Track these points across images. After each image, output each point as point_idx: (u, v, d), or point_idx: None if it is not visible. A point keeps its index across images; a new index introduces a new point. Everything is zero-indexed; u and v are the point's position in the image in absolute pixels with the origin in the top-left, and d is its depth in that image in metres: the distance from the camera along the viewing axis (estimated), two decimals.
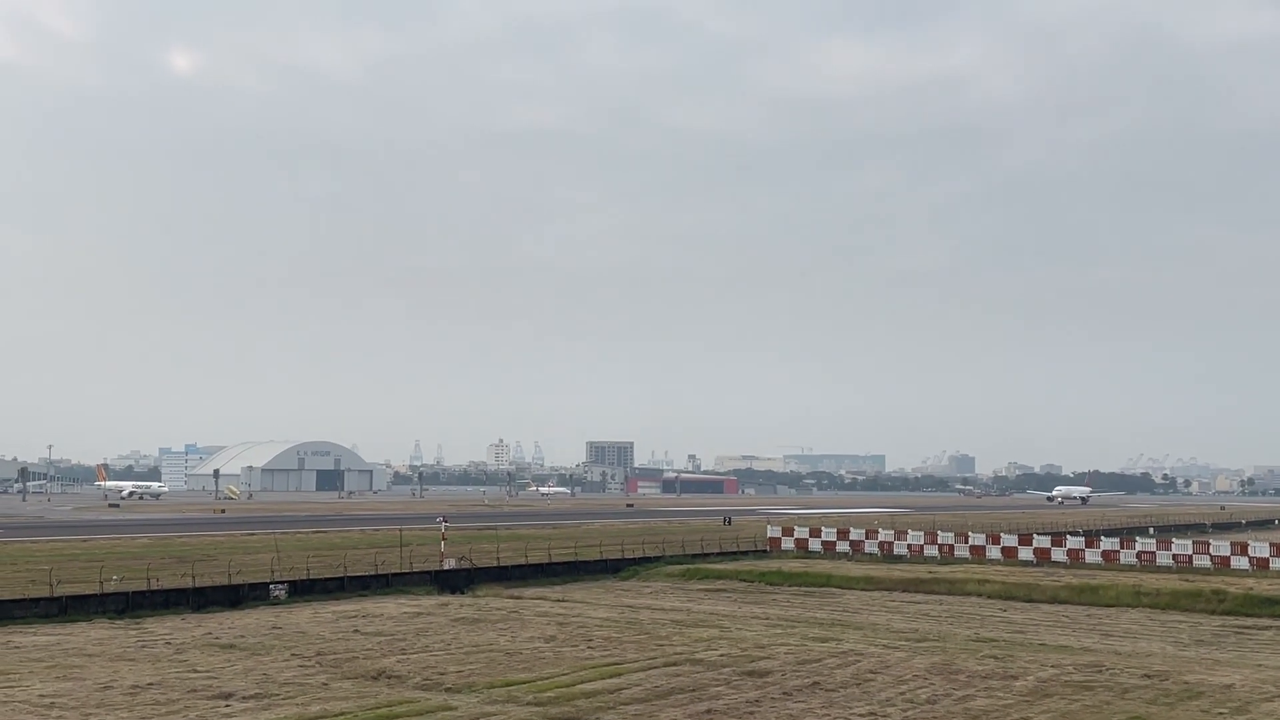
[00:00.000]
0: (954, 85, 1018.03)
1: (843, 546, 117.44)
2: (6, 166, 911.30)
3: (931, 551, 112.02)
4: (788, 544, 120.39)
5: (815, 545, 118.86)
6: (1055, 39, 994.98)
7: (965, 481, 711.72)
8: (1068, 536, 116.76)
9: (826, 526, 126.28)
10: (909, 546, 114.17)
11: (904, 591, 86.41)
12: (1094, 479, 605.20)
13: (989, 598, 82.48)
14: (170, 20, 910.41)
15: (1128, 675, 49.40)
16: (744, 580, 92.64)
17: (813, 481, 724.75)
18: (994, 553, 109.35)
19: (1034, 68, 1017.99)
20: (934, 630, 65.20)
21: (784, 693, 44.64)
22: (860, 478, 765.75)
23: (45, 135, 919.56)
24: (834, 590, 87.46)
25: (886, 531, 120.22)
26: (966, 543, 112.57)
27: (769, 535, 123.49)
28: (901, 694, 44.68)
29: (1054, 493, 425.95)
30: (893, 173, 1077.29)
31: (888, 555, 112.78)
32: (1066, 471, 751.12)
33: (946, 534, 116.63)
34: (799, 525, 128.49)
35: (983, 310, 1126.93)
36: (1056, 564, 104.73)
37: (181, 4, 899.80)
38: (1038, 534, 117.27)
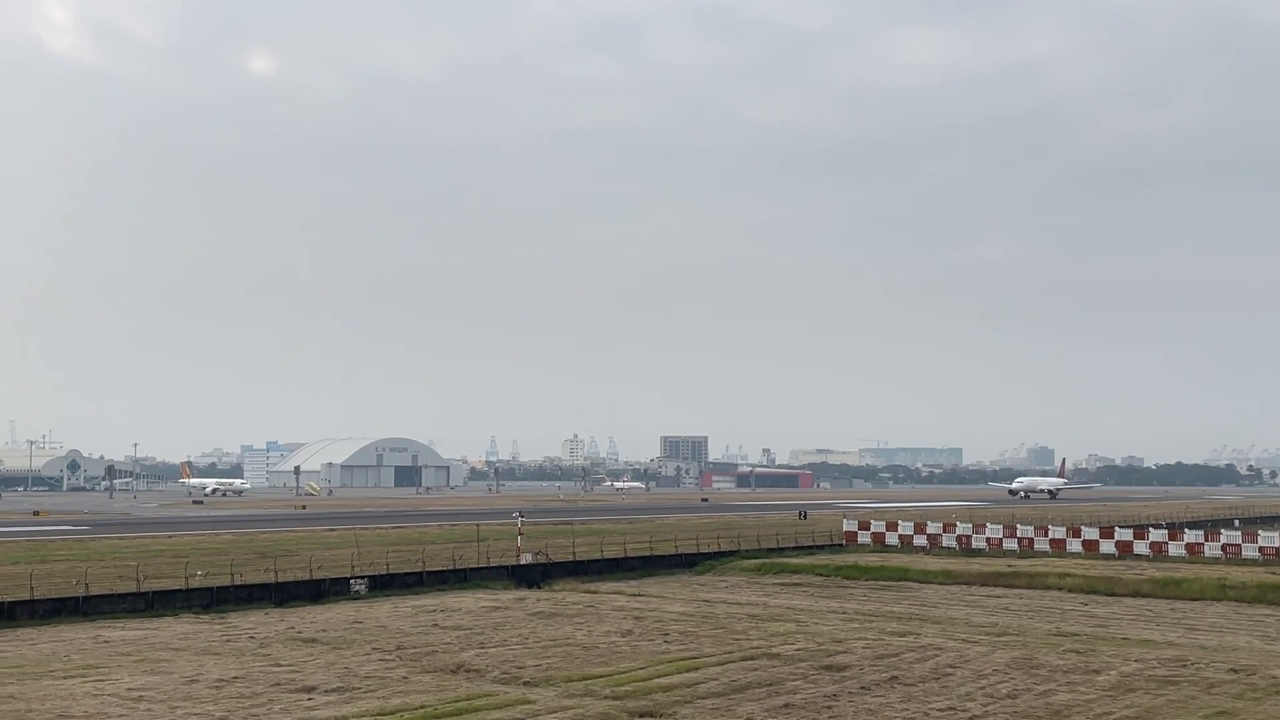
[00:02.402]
0: (1028, 73, 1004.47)
1: (920, 540, 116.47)
2: (92, 171, 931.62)
3: (1011, 545, 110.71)
4: (864, 538, 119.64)
5: (892, 539, 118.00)
6: (1133, 24, 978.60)
7: (1044, 474, 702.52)
8: (1150, 529, 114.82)
9: (903, 520, 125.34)
10: (987, 540, 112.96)
11: (983, 585, 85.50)
12: (1177, 471, 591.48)
13: (1070, 591, 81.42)
14: (250, 24, 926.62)
15: (1213, 670, 48.56)
16: (820, 574, 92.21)
17: (889, 475, 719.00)
18: (1074, 546, 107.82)
19: (1111, 54, 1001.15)
20: (1014, 624, 64.48)
21: (862, 687, 44.43)
22: (937, 471, 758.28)
23: (129, 140, 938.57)
24: (911, 584, 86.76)
25: (964, 525, 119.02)
26: (1046, 536, 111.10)
27: (845, 529, 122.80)
28: (981, 689, 44.29)
29: (1015, 484, 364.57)
30: (966, 162, 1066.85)
31: (966, 549, 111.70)
32: (1149, 463, 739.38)
33: (1026, 527, 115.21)
34: (875, 519, 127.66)
35: (1061, 300, 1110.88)
36: (1139, 557, 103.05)
37: (260, 8, 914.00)
38: (1119, 527, 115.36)
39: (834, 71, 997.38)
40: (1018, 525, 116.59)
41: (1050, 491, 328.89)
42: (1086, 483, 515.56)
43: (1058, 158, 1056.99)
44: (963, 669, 48.54)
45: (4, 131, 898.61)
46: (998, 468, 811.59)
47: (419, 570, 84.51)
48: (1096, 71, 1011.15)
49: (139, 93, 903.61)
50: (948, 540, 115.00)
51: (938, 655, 51.96)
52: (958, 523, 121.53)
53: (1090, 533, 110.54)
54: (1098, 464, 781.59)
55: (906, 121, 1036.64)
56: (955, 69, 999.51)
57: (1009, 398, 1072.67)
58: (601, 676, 46.18)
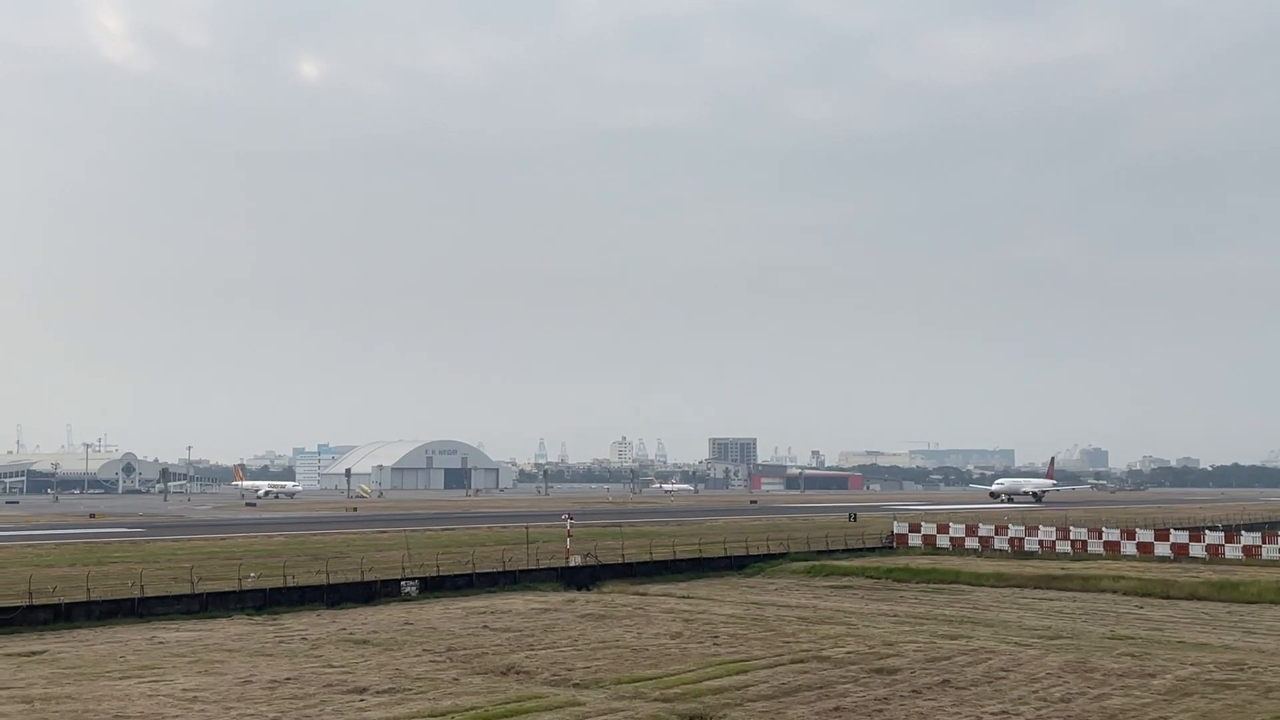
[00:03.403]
0: (1081, 70, 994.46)
1: (971, 543, 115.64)
2: (144, 176, 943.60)
3: (1064, 547, 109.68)
4: (914, 540, 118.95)
5: (943, 541, 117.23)
6: (1185, 21, 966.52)
7: (1098, 476, 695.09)
8: (1206, 531, 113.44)
9: (955, 523, 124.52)
10: (1040, 542, 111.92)
11: (1036, 588, 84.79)
12: (1233, 472, 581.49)
13: (1124, 594, 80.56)
14: (298, 29, 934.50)
15: (1271, 674, 47.87)
16: (870, 577, 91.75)
17: (939, 477, 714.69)
18: (1129, 548, 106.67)
19: (1163, 51, 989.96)
20: (1068, 627, 63.85)
21: (913, 690, 44.14)
22: (989, 473, 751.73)
23: (180, 144, 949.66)
24: (963, 587, 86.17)
25: (1016, 527, 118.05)
26: (1100, 538, 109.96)
27: (895, 531, 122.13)
28: (1035, 692, 43.88)
29: (995, 486, 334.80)
30: (1015, 161, 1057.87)
31: (1018, 551, 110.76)
32: (1204, 465, 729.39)
33: (1079, 529, 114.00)
34: (926, 521, 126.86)
35: (1114, 300, 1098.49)
36: (1195, 560, 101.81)
37: (309, 14, 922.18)
38: (1174, 529, 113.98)
39: (882, 70, 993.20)
40: (1071, 527, 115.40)
41: (1035, 494, 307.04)
42: (1126, 483, 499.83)
43: (1109, 156, 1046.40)
44: (1016, 672, 48.12)
45: (60, 137, 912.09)
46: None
47: (469, 572, 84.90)
48: (1148, 69, 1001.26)
49: (189, 98, 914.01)
50: (1000, 543, 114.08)
51: (990, 658, 51.54)
52: (1010, 525, 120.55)
53: (1145, 535, 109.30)
54: (1152, 465, 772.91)
55: (955, 120, 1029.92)
56: (1005, 67, 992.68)
57: (1062, 399, 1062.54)
58: (651, 679, 46.15)
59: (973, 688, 44.78)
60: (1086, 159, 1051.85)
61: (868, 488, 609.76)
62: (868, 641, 56.41)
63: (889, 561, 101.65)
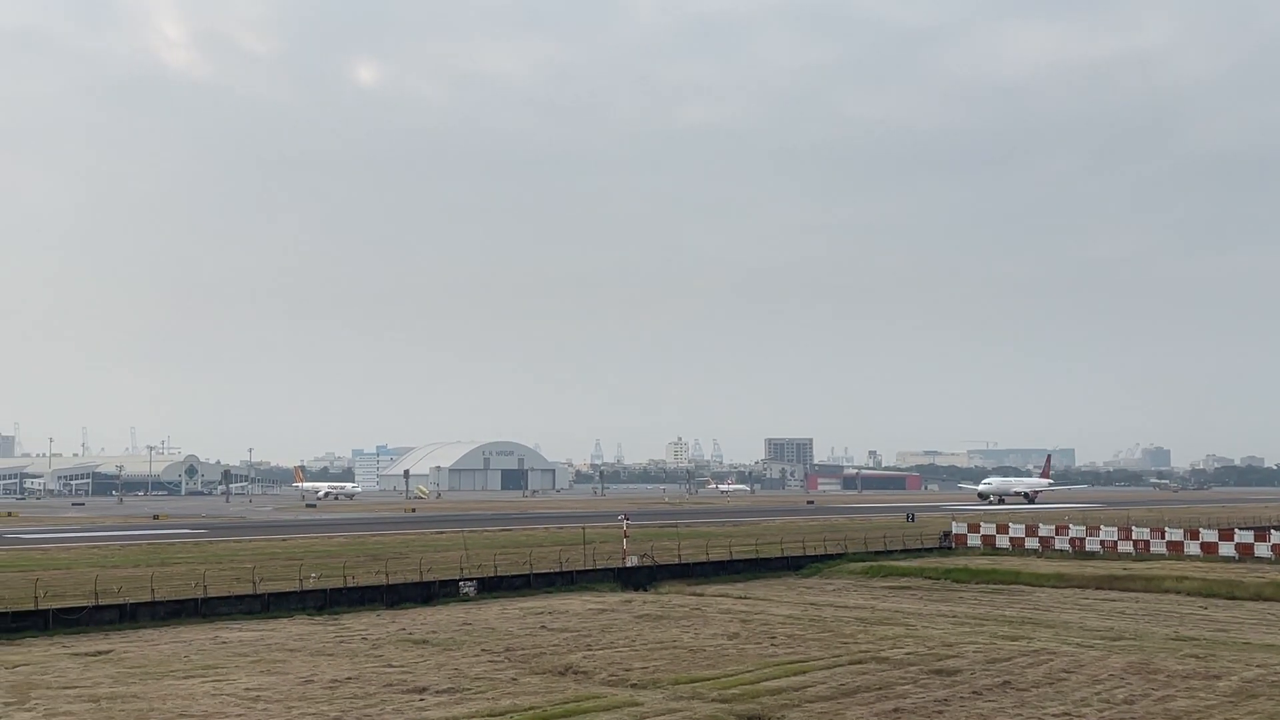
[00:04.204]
0: (1140, 65, 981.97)
1: (1031, 543, 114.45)
2: (205, 182, 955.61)
3: (1126, 548, 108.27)
4: (973, 540, 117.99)
5: (1002, 542, 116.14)
6: (1247, 14, 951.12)
7: (1160, 475, 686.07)
8: (1272, 531, 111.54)
9: (1014, 523, 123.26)
10: (1102, 543, 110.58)
11: (1097, 589, 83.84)
12: None
13: (1188, 595, 79.43)
14: (356, 35, 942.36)
15: None
16: (929, 577, 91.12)
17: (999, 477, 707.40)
18: (1193, 548, 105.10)
19: (1226, 44, 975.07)
20: (1130, 628, 63.07)
21: (973, 692, 43.80)
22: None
23: (241, 150, 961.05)
24: (1023, 587, 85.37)
25: (1077, 527, 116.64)
26: (1163, 538, 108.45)
27: (954, 532, 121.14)
28: (1097, 694, 43.40)
29: (983, 486, 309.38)
30: (1079, 157, 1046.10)
31: (1079, 552, 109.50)
32: (1269, 463, 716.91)
33: (1141, 529, 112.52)
34: (985, 521, 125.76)
35: (1176, 296, 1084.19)
36: (1261, 560, 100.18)
37: (366, 20, 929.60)
38: (1239, 528, 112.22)
39: (940, 67, 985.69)
40: (1133, 528, 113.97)
41: (1027, 494, 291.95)
42: (1189, 482, 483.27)
43: (1170, 152, 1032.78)
44: (1077, 674, 47.62)
45: (122, 143, 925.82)
46: (1111, 469, 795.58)
47: (526, 573, 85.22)
48: (1211, 63, 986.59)
49: (249, 104, 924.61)
50: (1060, 543, 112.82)
51: (1051, 660, 51.04)
52: (1070, 525, 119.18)
53: (1209, 535, 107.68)
54: (1216, 464, 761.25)
55: (1014, 117, 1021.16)
56: (1064, 63, 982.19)
57: (1123, 397, 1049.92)
58: (709, 679, 46.12)
59: (1034, 689, 44.37)
60: (1146, 154, 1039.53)
61: (925, 488, 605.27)
62: (927, 642, 56.04)
63: (947, 562, 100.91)
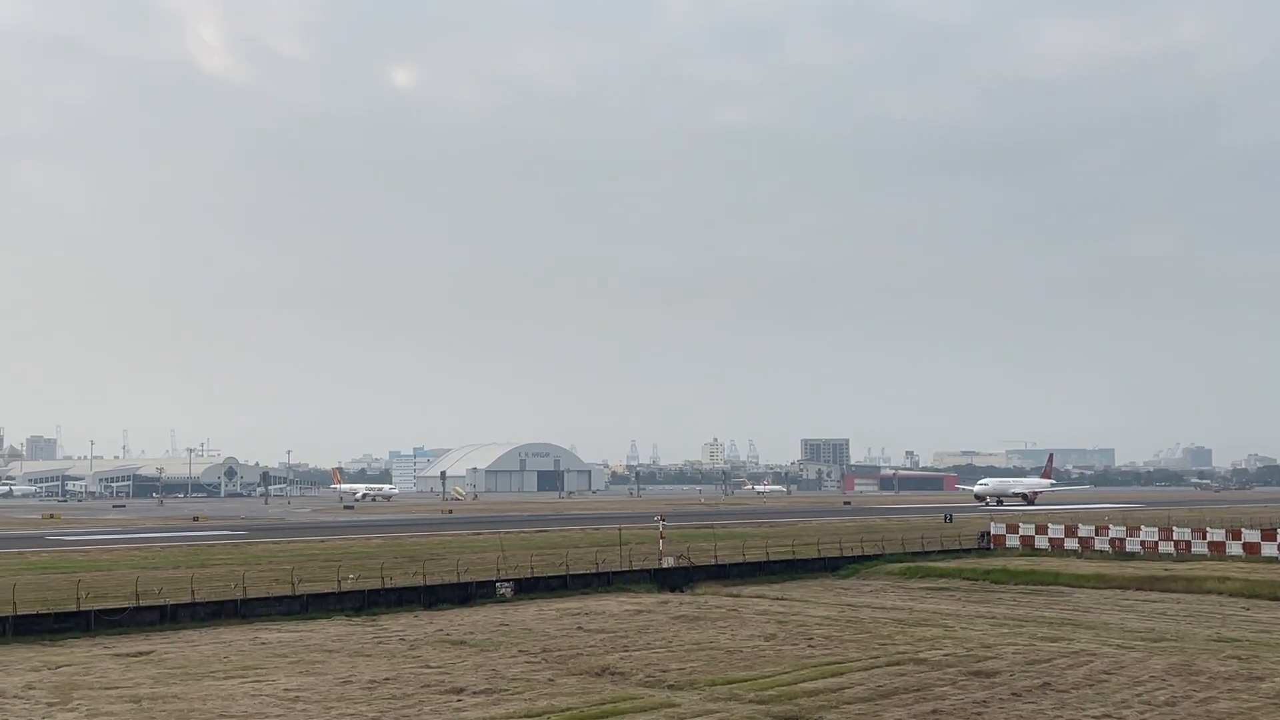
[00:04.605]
0: (1180, 60, 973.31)
1: (1071, 544, 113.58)
2: (242, 186, 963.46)
3: (1167, 548, 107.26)
4: (1012, 541, 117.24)
5: (1042, 542, 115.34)
6: None
7: (1201, 475, 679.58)
8: None
9: (1053, 523, 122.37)
10: (1142, 543, 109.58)
11: (1138, 590, 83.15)
12: None
13: (1230, 596, 78.63)
14: (392, 39, 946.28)
15: None
16: (967, 578, 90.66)
17: (1036, 478, 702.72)
18: (1235, 549, 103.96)
19: (1267, 38, 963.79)
20: (1171, 630, 62.51)
21: (1013, 693, 43.53)
22: (1088, 472, 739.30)
23: (279, 154, 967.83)
24: (1063, 588, 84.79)
25: (1118, 527, 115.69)
26: (1204, 539, 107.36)
27: (992, 532, 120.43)
28: (1138, 695, 43.04)
29: (979, 487, 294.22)
30: (1115, 154, 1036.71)
31: (1119, 552, 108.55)
32: None
33: (1182, 529, 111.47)
34: (1024, 522, 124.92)
35: (1217, 294, 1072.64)
36: None
37: (402, 23, 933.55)
38: None
39: (977, 65, 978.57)
40: (1174, 528, 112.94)
41: (1026, 495, 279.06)
42: (1231, 482, 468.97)
43: (1212, 147, 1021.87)
44: (1118, 675, 47.24)
45: (161, 149, 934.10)
46: (1152, 468, 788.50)
47: (563, 574, 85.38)
48: (1252, 57, 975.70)
49: (286, 108, 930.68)
50: (1100, 543, 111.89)
51: (1091, 661, 50.66)
52: (1110, 525, 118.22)
53: (1251, 535, 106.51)
54: (1258, 464, 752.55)
55: (1052, 114, 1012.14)
56: (1103, 59, 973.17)
57: (1163, 396, 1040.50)
58: (746, 681, 46.04)
59: (1074, 691, 44.06)
60: (1185, 151, 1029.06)
61: (963, 488, 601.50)
62: (965, 644, 55.75)
63: (986, 563, 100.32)
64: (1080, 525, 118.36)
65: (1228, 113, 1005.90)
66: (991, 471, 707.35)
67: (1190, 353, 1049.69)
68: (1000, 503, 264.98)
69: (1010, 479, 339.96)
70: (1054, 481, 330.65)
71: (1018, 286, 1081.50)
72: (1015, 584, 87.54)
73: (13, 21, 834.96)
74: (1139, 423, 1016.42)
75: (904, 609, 72.24)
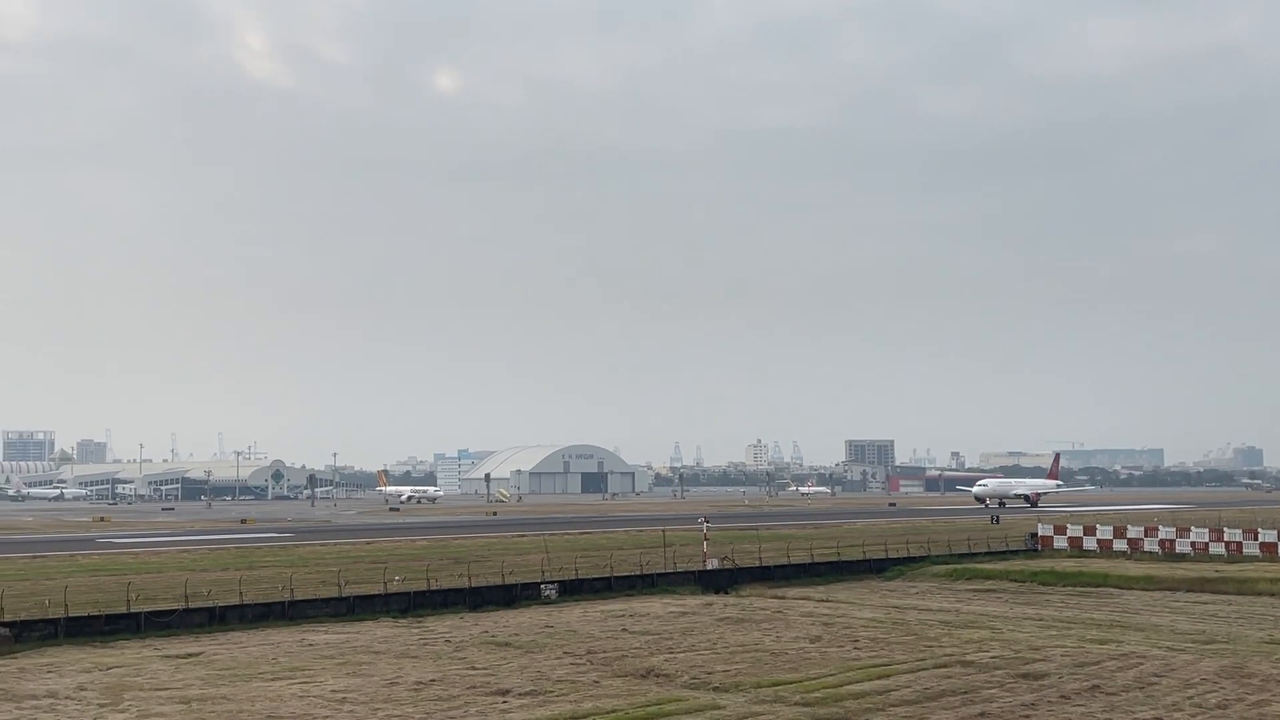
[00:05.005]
0: (1226, 56, 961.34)
1: (1120, 545, 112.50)
2: (288, 190, 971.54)
3: (1218, 549, 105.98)
4: (1060, 543, 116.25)
5: (1090, 544, 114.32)
6: None
7: (1252, 475, 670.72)
8: None
9: (1102, 524, 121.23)
10: (1192, 544, 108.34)
11: (1188, 591, 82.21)
12: None
13: None
14: (435, 43, 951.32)
15: None
16: (1014, 580, 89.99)
17: (1085, 478, 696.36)
18: None
19: None
20: (1223, 632, 61.73)
21: (1061, 696, 43.15)
22: (1137, 473, 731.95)
23: (322, 158, 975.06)
24: (1111, 590, 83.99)
25: (1167, 529, 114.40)
26: (1256, 539, 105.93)
27: (1040, 534, 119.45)
28: (1189, 698, 42.55)
29: (978, 488, 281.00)
30: (1160, 152, 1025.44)
31: (1169, 554, 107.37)
32: None
33: (1234, 530, 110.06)
34: (1072, 523, 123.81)
35: (1267, 292, 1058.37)
36: None
37: (444, 27, 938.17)
38: None
39: (1020, 63, 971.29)
40: (1225, 529, 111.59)
41: (1028, 497, 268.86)
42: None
43: (1261, 144, 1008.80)
44: (1168, 678, 46.71)
45: (208, 154, 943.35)
46: (1202, 469, 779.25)
47: (607, 575, 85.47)
48: None
49: (330, 112, 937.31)
50: (1150, 544, 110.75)
51: (1141, 663, 50.13)
52: (1160, 526, 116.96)
53: None
54: None
55: (1097, 112, 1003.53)
56: (1148, 55, 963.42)
57: (1213, 396, 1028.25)
58: (791, 683, 45.91)
59: (1124, 693, 43.62)
60: (1235, 148, 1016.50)
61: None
62: (1013, 646, 55.32)
63: (1033, 564, 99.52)
64: (1129, 526, 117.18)
65: (1275, 107, 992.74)
66: (1039, 473, 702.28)
67: (1241, 352, 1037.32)
68: (1002, 504, 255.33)
69: (1012, 480, 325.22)
70: (1060, 482, 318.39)
71: (1063, 285, 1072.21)
72: (1063, 586, 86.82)
73: (64, 30, 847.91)
74: (1189, 423, 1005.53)
75: (950, 611, 71.78)
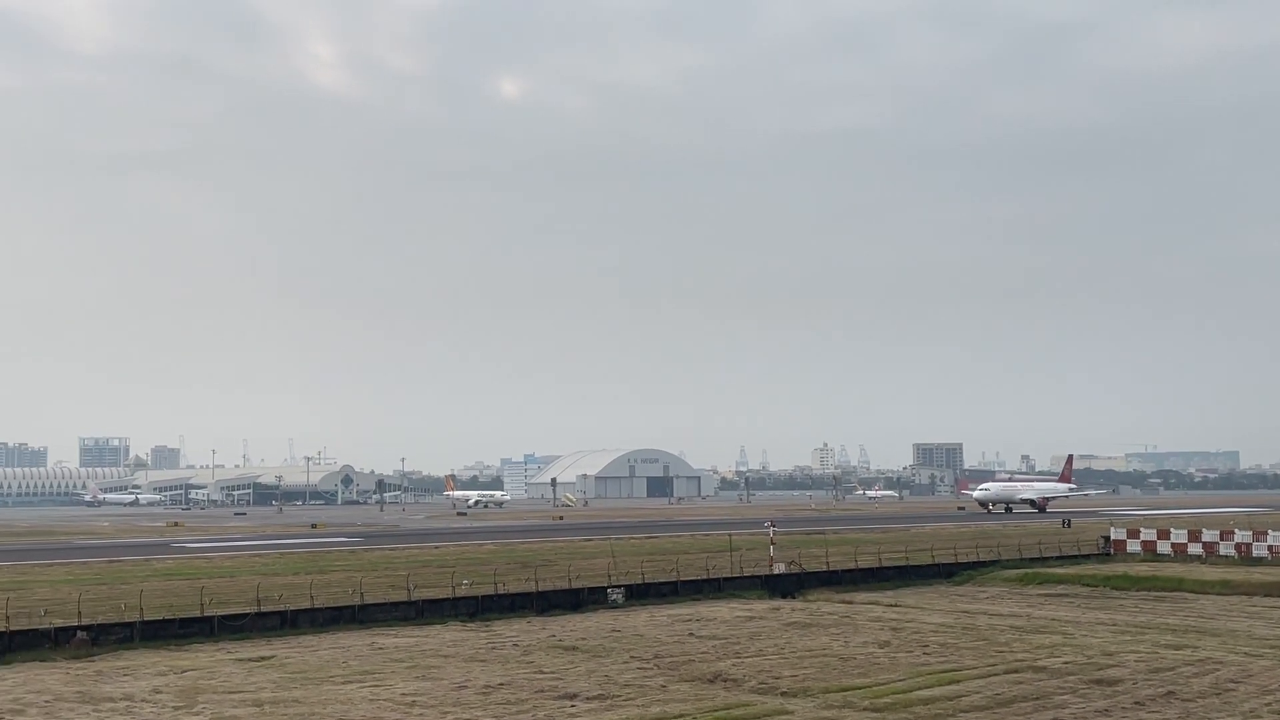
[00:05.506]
0: None
1: (1194, 549, 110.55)
2: (358, 196, 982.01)
3: None
4: (1133, 546, 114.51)
5: (1164, 548, 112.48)
6: None
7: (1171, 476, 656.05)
8: None
9: (1176, 528, 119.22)
10: (1269, 548, 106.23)
11: (1266, 596, 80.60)
12: None
13: None
14: (500, 49, 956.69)
15: None
16: (1086, 584, 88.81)
17: (1158, 481, 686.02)
18: None
19: None
20: None
21: (1135, 702, 42.53)
22: (1212, 476, 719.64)
23: (389, 164, 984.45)
24: (1186, 595, 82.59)
25: (1244, 532, 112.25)
26: None
27: (1112, 538, 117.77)
28: (1267, 705, 41.79)
29: (980, 491, 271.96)
30: (1238, 148, 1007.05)
31: (1246, 558, 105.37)
32: None
33: None
34: (1145, 527, 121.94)
35: None
36: None
37: (509, 34, 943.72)
38: None
39: (1089, 60, 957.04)
40: None
41: (1036, 501, 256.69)
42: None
43: None
44: (1246, 684, 45.87)
45: (278, 163, 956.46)
46: (1279, 471, 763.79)
47: (673, 580, 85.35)
48: None
49: (398, 120, 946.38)
50: (1225, 548, 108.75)
51: (1218, 669, 49.27)
52: (1236, 530, 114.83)
53: None
54: None
55: (1168, 108, 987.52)
56: (1220, 51, 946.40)
57: None
58: (860, 688, 45.63)
59: (1199, 700, 42.89)
60: None
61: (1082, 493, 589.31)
62: (1086, 651, 54.59)
63: (1106, 569, 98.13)
64: (1204, 530, 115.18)
65: None
66: (1111, 477, 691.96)
67: None
68: (1009, 509, 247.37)
69: (1018, 483, 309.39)
70: (1073, 485, 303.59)
71: (1135, 285, 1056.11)
72: (1137, 590, 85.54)
73: (136, 43, 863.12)
74: (1265, 425, 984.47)
75: (1021, 616, 70.94)
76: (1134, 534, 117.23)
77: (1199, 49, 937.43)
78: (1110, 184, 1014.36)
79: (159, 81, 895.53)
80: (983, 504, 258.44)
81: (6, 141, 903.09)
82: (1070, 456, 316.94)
